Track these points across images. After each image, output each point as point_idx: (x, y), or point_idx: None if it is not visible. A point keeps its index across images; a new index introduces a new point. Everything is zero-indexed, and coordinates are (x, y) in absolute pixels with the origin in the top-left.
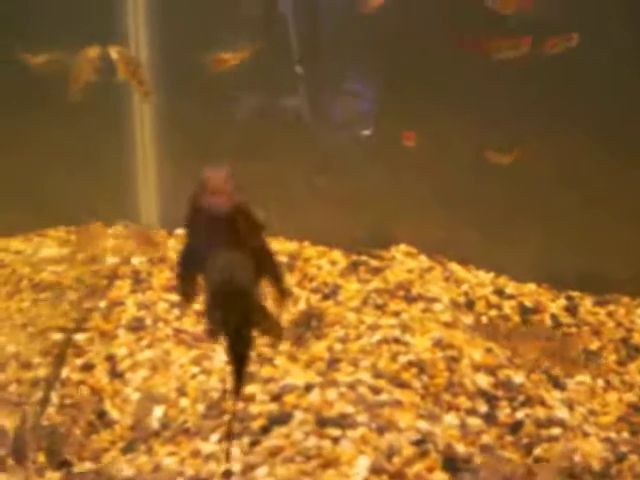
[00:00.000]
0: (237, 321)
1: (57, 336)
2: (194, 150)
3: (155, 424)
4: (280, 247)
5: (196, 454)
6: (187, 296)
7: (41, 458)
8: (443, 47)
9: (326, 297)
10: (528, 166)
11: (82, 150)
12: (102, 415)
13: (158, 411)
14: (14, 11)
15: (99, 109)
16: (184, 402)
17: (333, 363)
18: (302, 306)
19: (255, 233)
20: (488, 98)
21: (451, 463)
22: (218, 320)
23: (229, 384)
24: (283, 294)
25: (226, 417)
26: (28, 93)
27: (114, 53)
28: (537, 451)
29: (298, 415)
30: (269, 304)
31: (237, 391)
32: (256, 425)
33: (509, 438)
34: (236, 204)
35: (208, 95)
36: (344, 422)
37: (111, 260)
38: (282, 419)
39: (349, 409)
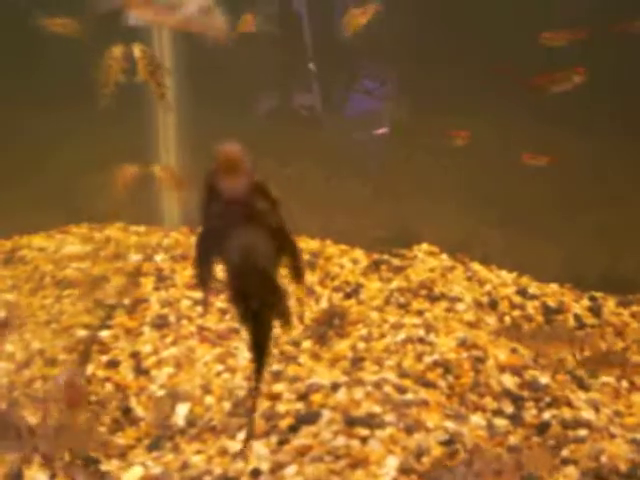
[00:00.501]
0: (257, 304)
1: (82, 333)
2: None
3: (180, 422)
4: (303, 245)
5: (223, 452)
6: (206, 281)
7: (67, 456)
8: (465, 42)
9: (348, 296)
10: (551, 166)
11: (108, 150)
12: (127, 412)
13: (183, 408)
14: None
15: (126, 113)
16: (209, 400)
17: (357, 362)
18: (324, 304)
19: (272, 210)
20: (512, 96)
21: None
22: (239, 304)
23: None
24: (299, 273)
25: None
26: (62, 92)
27: (137, 51)
28: (564, 452)
29: (326, 414)
30: (286, 285)
31: (258, 379)
32: (284, 424)
33: (536, 439)
34: (252, 182)
35: (229, 99)
36: (372, 422)
37: (134, 257)
38: (310, 418)
39: (376, 409)
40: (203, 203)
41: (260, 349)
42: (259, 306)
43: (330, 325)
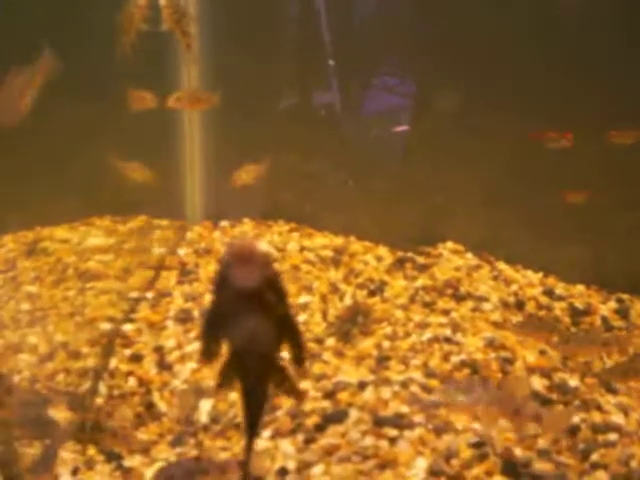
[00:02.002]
0: (254, 378)
1: (105, 326)
2: (237, 147)
3: (204, 418)
4: (327, 241)
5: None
6: (209, 357)
7: (90, 450)
8: (487, 41)
9: (372, 293)
10: (577, 165)
11: (133, 143)
12: (150, 407)
13: (206, 405)
14: None
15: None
16: (233, 396)
17: (383, 361)
18: (348, 301)
19: (280, 301)
20: (537, 94)
21: (511, 467)
22: (236, 374)
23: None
24: (302, 362)
25: (279, 413)
26: (94, 83)
27: None
28: (594, 457)
29: (353, 413)
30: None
31: (249, 447)
32: (310, 422)
33: (565, 443)
34: (265, 277)
35: (252, 102)
36: (401, 422)
37: (158, 251)
38: (337, 417)
39: (404, 409)
40: (215, 288)
41: (252, 420)
42: (256, 383)
43: (354, 323)
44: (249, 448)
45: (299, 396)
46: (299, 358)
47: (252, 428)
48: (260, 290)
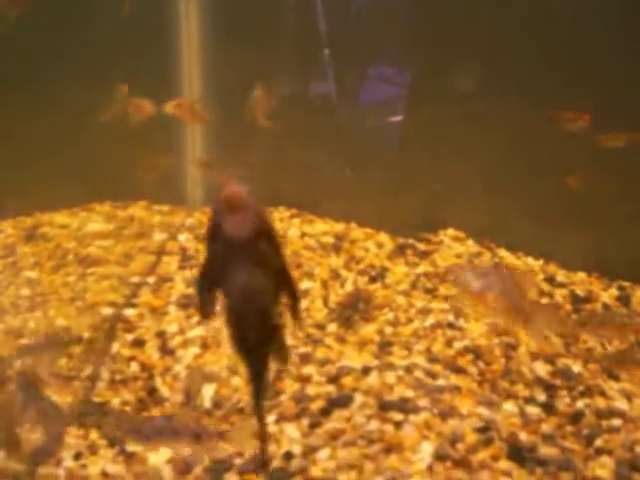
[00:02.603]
0: (254, 340)
1: (107, 311)
2: (239, 131)
3: (207, 403)
4: (327, 228)
5: (253, 434)
6: (206, 312)
7: (93, 435)
8: (486, 27)
9: (373, 279)
10: (577, 152)
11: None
12: (152, 392)
13: (209, 389)
14: None
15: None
16: (236, 381)
17: (385, 346)
18: (349, 288)
19: (275, 252)
20: (538, 80)
21: (517, 452)
22: (235, 338)
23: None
24: (298, 313)
25: (283, 397)
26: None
27: None
28: (598, 442)
29: (358, 398)
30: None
31: (259, 407)
32: (315, 407)
33: (569, 428)
34: (259, 225)
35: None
36: (406, 406)
37: (158, 236)
38: (342, 401)
39: (409, 393)
40: (207, 239)
41: (257, 383)
42: (256, 343)
43: (355, 309)
44: (261, 419)
45: (285, 359)
46: (295, 311)
47: (259, 394)
48: (254, 240)
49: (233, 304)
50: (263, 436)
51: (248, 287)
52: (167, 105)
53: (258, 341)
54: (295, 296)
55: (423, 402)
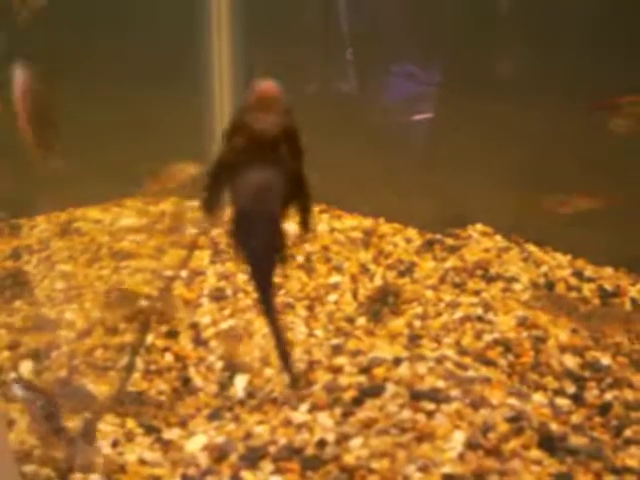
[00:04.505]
0: (259, 241)
1: (142, 303)
2: None
3: (240, 393)
4: (356, 223)
5: (287, 423)
6: (211, 209)
7: (130, 424)
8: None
9: (402, 274)
10: (605, 147)
11: (163, 125)
12: (186, 382)
13: (242, 380)
14: None
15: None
16: (268, 372)
17: (415, 339)
18: (378, 282)
19: (295, 158)
20: (564, 75)
21: (548, 441)
22: (240, 239)
23: (315, 355)
24: (307, 225)
25: (315, 387)
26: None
27: None
28: (627, 432)
29: (390, 388)
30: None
31: (268, 309)
32: (347, 396)
33: (598, 419)
34: (284, 125)
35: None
36: (437, 396)
37: (190, 231)
38: (374, 391)
39: (440, 384)
40: (228, 133)
41: (262, 284)
42: (261, 244)
43: (385, 302)
44: (273, 321)
45: (284, 260)
46: (306, 222)
47: (265, 294)
48: (276, 140)
49: (243, 204)
50: (280, 342)
51: (260, 187)
52: None
53: (263, 243)
54: (307, 202)
55: (454, 392)
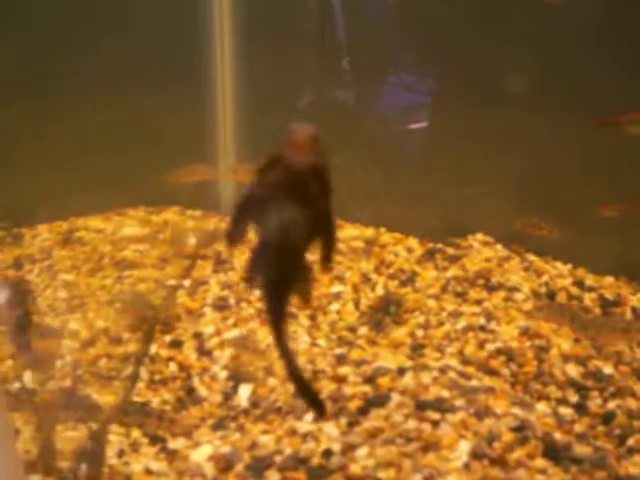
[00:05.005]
0: (280, 275)
1: (145, 312)
2: (265, 141)
3: (244, 402)
4: (357, 233)
5: (292, 433)
6: (234, 240)
7: (135, 434)
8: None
9: (404, 283)
10: (604, 156)
11: (164, 133)
12: (191, 392)
13: (246, 389)
14: None
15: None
16: (272, 381)
17: (417, 348)
18: (380, 292)
19: (324, 197)
20: (562, 86)
21: (552, 451)
22: (261, 270)
23: (319, 364)
24: (328, 262)
25: (320, 397)
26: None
27: None
28: (630, 441)
29: (395, 397)
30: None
31: (280, 343)
32: (352, 406)
33: (601, 428)
34: (316, 163)
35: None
36: (442, 406)
37: (192, 241)
38: (379, 401)
39: (445, 393)
40: (261, 168)
41: (277, 319)
42: (282, 277)
43: (386, 312)
44: (286, 355)
45: (308, 302)
46: (328, 258)
47: (279, 329)
48: (308, 176)
49: (268, 235)
50: (295, 376)
51: (288, 222)
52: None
53: (284, 276)
54: (331, 240)
55: (459, 402)
